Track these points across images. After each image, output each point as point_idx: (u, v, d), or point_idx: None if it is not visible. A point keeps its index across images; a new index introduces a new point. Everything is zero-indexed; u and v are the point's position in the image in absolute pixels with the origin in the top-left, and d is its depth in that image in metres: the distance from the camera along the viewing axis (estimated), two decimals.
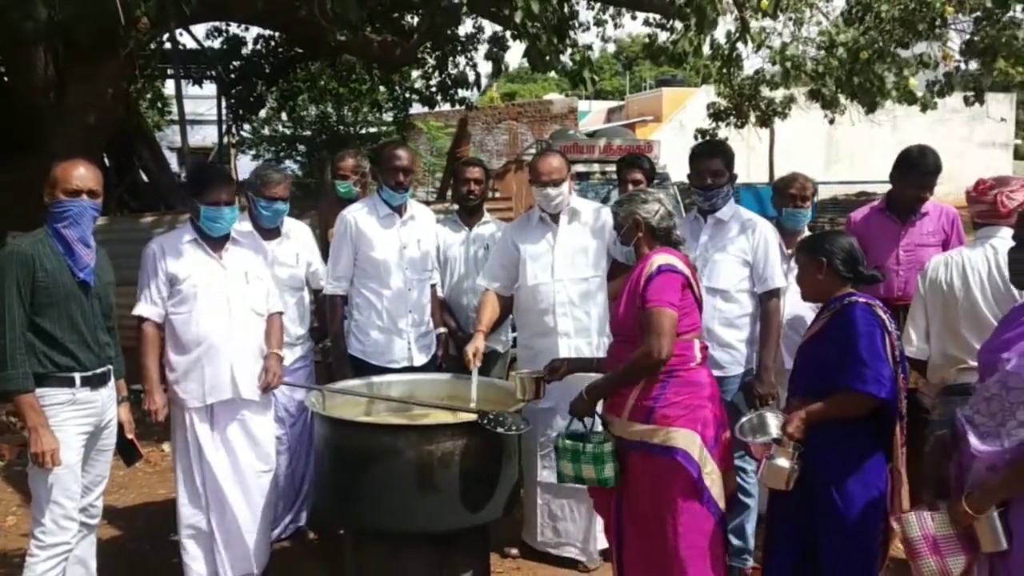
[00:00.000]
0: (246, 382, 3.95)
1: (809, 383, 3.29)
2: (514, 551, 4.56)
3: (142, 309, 3.92)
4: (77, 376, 3.41)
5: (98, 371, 3.50)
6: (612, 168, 10.94)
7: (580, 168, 9.20)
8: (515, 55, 8.06)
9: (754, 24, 8.21)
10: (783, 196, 4.64)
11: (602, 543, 4.37)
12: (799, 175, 4.74)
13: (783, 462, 3.15)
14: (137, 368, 3.84)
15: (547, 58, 6.05)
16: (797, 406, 3.27)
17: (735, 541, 4.08)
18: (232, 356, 3.91)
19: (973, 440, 2.63)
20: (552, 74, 7.28)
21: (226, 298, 3.93)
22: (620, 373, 3.37)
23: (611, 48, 41.51)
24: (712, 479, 3.28)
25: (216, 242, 3.97)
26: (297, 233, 4.76)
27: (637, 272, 3.42)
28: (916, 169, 4.38)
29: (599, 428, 3.53)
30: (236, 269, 3.99)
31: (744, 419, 3.40)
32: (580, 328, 4.33)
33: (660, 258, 3.36)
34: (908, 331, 3.78)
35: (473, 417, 3.56)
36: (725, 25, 7.11)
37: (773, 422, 3.28)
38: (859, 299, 3.25)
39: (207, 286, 3.90)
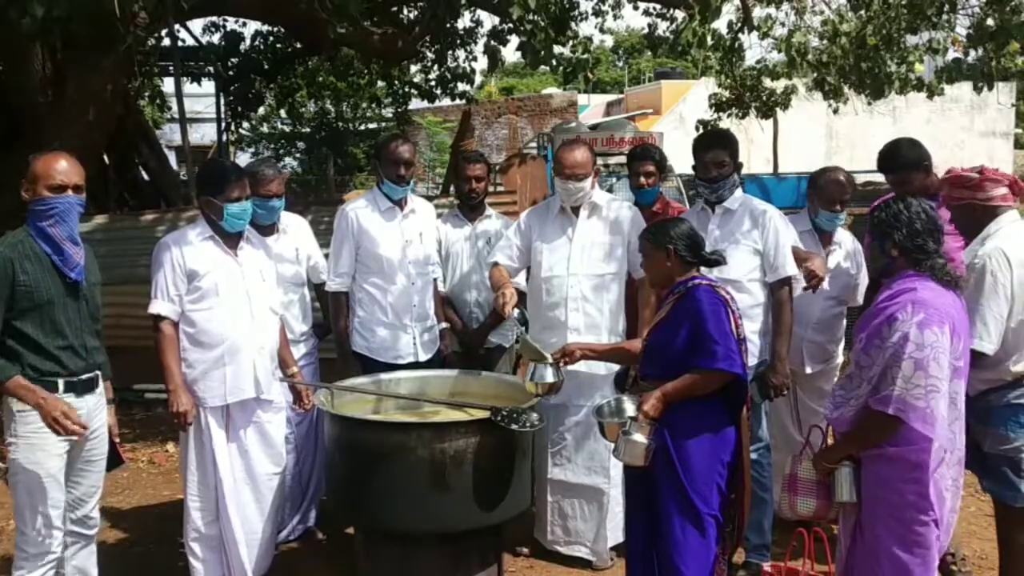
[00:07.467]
0: (267, 381, 3.87)
1: (661, 366, 3.33)
2: (525, 550, 4.49)
3: (159, 307, 3.75)
4: (60, 382, 3.25)
5: (83, 377, 3.33)
6: (614, 161, 10.94)
7: None
8: (513, 49, 7.99)
9: (757, 12, 8.14)
10: (826, 200, 4.39)
11: (612, 541, 4.32)
12: (840, 173, 4.43)
13: (640, 437, 3.21)
14: (123, 369, 3.63)
15: (541, 53, 5.98)
16: (649, 388, 3.30)
17: (753, 537, 4.02)
18: (254, 354, 3.82)
19: (828, 408, 3.13)
20: (546, 68, 7.22)
21: (247, 295, 3.83)
22: None
23: (608, 42, 41.34)
24: None
25: (231, 239, 3.86)
26: (294, 227, 4.64)
27: None
28: (886, 161, 4.25)
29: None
30: (252, 266, 3.90)
31: (602, 402, 3.50)
32: (591, 324, 4.26)
33: None
34: (987, 327, 3.37)
35: (486, 414, 3.49)
36: (727, 15, 7.04)
37: (629, 404, 3.38)
38: (702, 281, 3.35)
39: (227, 283, 3.79)
